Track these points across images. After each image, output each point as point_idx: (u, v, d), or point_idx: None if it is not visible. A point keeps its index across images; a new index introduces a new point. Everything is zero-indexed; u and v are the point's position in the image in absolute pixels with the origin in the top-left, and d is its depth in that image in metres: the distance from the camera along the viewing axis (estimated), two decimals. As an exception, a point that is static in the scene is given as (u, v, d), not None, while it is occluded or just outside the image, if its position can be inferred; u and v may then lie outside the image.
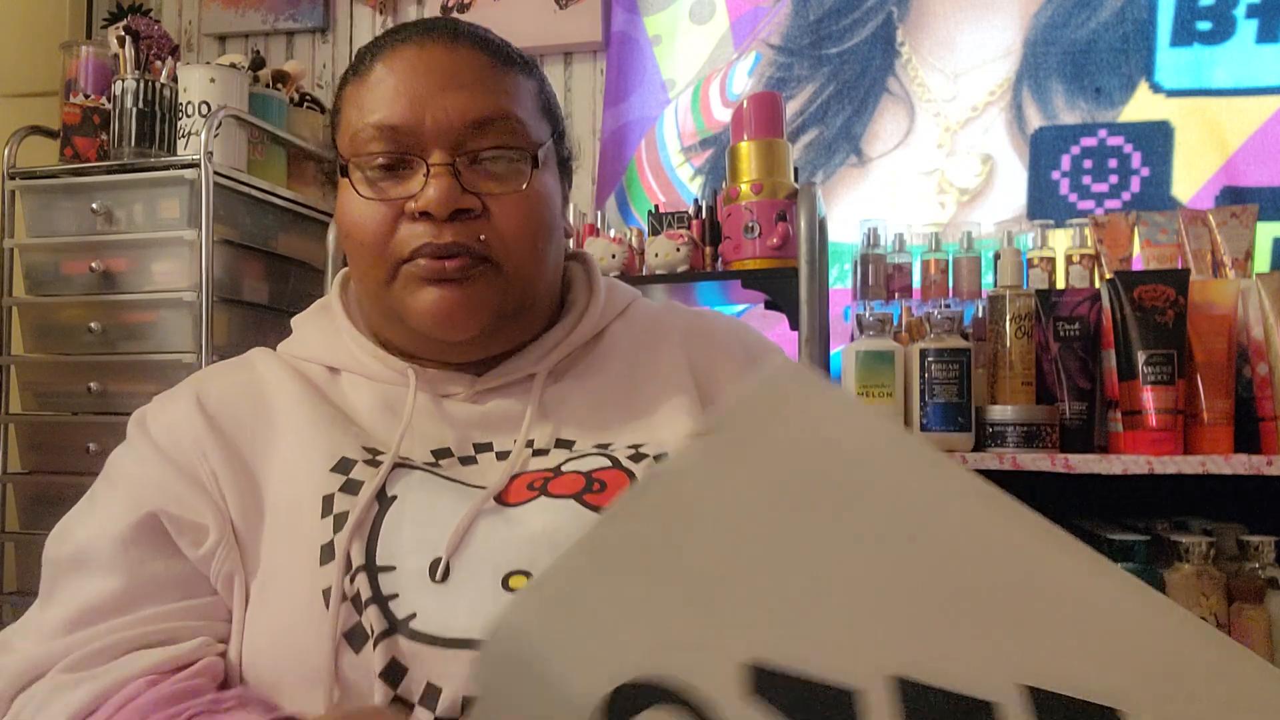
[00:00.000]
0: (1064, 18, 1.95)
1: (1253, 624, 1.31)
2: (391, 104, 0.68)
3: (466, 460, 0.70)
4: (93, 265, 1.67)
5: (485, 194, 0.68)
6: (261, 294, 1.80)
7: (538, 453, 0.70)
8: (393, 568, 0.63)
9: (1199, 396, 1.42)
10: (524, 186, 0.69)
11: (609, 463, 0.68)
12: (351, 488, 0.66)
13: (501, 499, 0.66)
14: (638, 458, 0.68)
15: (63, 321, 1.71)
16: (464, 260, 0.68)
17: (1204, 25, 1.89)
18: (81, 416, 1.70)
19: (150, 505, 0.68)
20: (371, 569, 0.63)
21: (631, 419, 0.73)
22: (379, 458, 0.68)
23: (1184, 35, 1.90)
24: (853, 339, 1.55)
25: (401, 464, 0.67)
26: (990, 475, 1.49)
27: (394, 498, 0.65)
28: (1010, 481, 1.56)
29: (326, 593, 0.62)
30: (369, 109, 0.69)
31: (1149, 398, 1.39)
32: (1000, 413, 1.44)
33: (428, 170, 0.67)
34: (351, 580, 0.62)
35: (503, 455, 0.71)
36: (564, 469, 0.68)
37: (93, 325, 1.68)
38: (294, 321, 0.82)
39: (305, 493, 0.67)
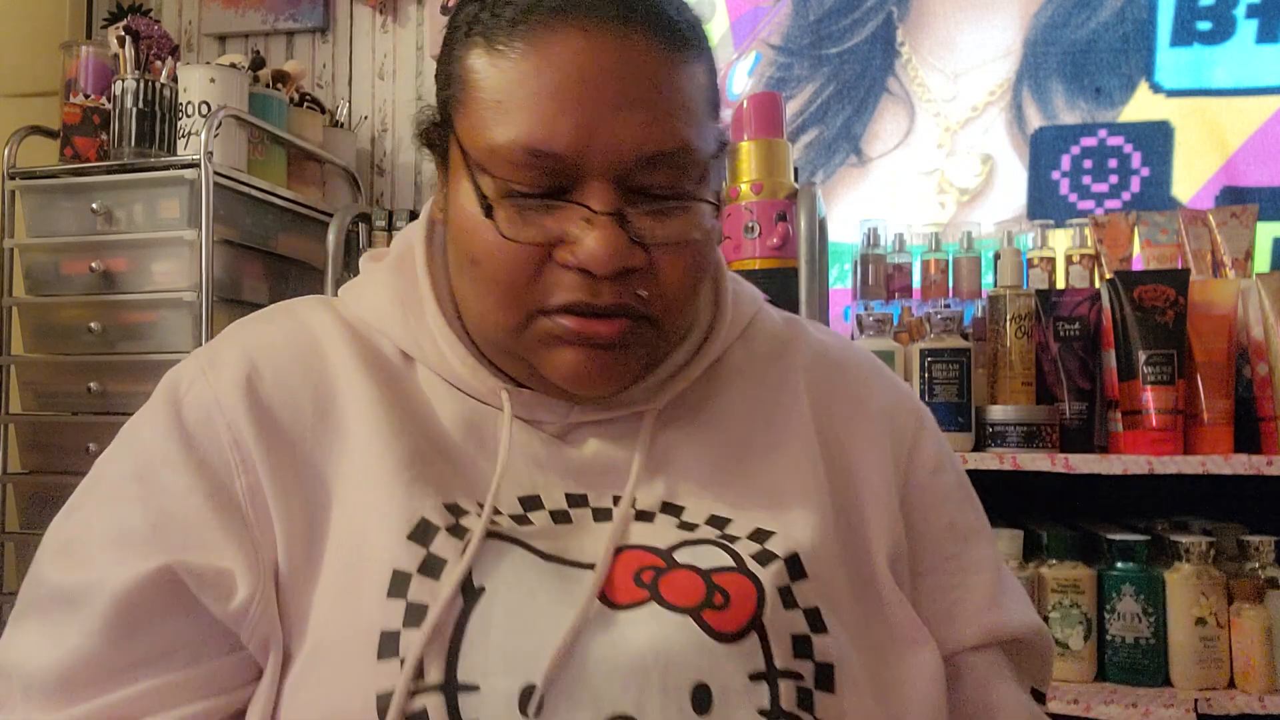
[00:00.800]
0: (1064, 18, 1.95)
1: (1252, 624, 1.31)
2: (551, 120, 0.53)
3: (559, 516, 0.59)
4: (93, 265, 1.67)
5: (653, 244, 0.56)
6: (262, 294, 1.80)
7: (641, 515, 0.59)
8: (475, 687, 0.51)
9: (1199, 396, 1.42)
10: (698, 236, 0.57)
11: (730, 560, 0.57)
12: (431, 568, 0.54)
13: (607, 595, 0.54)
14: (764, 557, 0.57)
15: (63, 321, 1.71)
16: (622, 324, 0.56)
17: (1204, 25, 1.89)
18: (81, 417, 1.70)
19: (167, 553, 0.55)
20: (451, 689, 0.51)
21: (751, 487, 0.62)
22: (462, 521, 0.56)
23: (1184, 35, 1.90)
24: (853, 339, 1.55)
25: (492, 532, 0.56)
26: (990, 475, 1.50)
27: (481, 589, 0.54)
28: (1010, 481, 1.56)
29: (383, 699, 0.51)
30: (516, 117, 0.54)
31: (1149, 398, 1.40)
32: (1000, 413, 1.44)
33: (589, 215, 0.54)
34: (415, 695, 0.51)
35: (600, 514, 0.59)
36: (678, 558, 0.57)
37: (93, 325, 1.68)
38: (362, 277, 0.68)
39: (372, 555, 0.55)
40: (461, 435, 0.61)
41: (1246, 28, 1.88)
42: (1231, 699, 1.30)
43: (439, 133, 0.61)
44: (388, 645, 0.52)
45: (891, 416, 0.69)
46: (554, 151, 0.53)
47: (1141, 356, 1.40)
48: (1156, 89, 1.90)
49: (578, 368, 0.57)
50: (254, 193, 1.78)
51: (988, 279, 1.70)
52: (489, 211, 0.55)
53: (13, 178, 1.72)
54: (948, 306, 1.60)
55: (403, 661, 0.51)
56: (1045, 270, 1.66)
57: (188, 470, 0.57)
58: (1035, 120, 1.95)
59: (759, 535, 0.59)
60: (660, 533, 0.58)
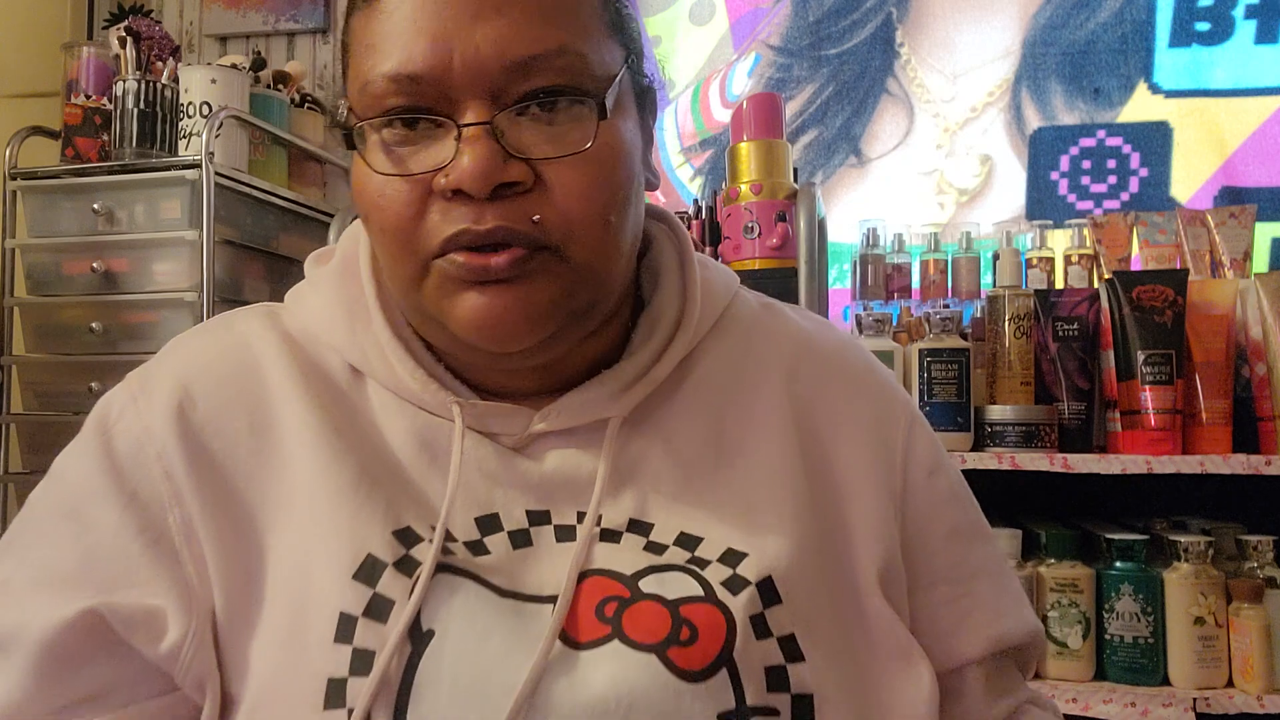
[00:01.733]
0: (1063, 18, 1.95)
1: (1251, 624, 1.31)
2: (408, 44, 0.50)
3: (519, 538, 0.55)
4: (94, 265, 1.67)
5: (537, 159, 0.51)
6: (263, 294, 1.81)
7: (606, 534, 0.55)
8: None
9: (1197, 396, 1.42)
10: (588, 145, 0.51)
11: (699, 588, 0.53)
12: (377, 610, 0.51)
13: (568, 633, 0.51)
14: (735, 584, 0.53)
15: (64, 322, 1.71)
16: (514, 252, 0.51)
17: (1203, 26, 1.90)
18: (83, 417, 1.69)
19: (94, 594, 0.52)
20: None
21: (724, 500, 0.58)
22: (413, 552, 0.52)
23: (1183, 36, 1.90)
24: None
25: (443, 565, 0.52)
26: (989, 475, 1.50)
27: (431, 633, 0.50)
28: (1009, 481, 1.57)
29: None
30: (380, 51, 0.51)
31: (1148, 397, 1.40)
32: (999, 412, 1.45)
33: (459, 133, 0.50)
34: None
35: (563, 532, 0.55)
36: (643, 586, 0.53)
37: (94, 325, 1.68)
38: (306, 284, 0.64)
39: (318, 596, 0.52)
40: (413, 452, 0.57)
41: (1245, 28, 1.88)
42: (1230, 698, 1.30)
43: (344, 113, 0.57)
44: (335, 694, 0.49)
45: (881, 415, 0.64)
46: (413, 73, 0.50)
47: (1140, 356, 1.41)
48: (1155, 89, 1.91)
49: (479, 313, 0.52)
50: (255, 193, 1.78)
51: (987, 279, 1.70)
52: (362, 153, 0.52)
53: (14, 178, 1.73)
54: (947, 306, 1.60)
55: (350, 712, 0.48)
56: (1044, 270, 1.66)
57: (117, 504, 0.54)
58: (1034, 121, 1.95)
59: (730, 557, 0.55)
60: (626, 556, 0.54)
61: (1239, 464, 1.35)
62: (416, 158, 0.52)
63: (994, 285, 1.63)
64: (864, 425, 0.63)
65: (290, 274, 1.90)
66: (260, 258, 1.81)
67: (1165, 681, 1.35)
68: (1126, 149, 1.91)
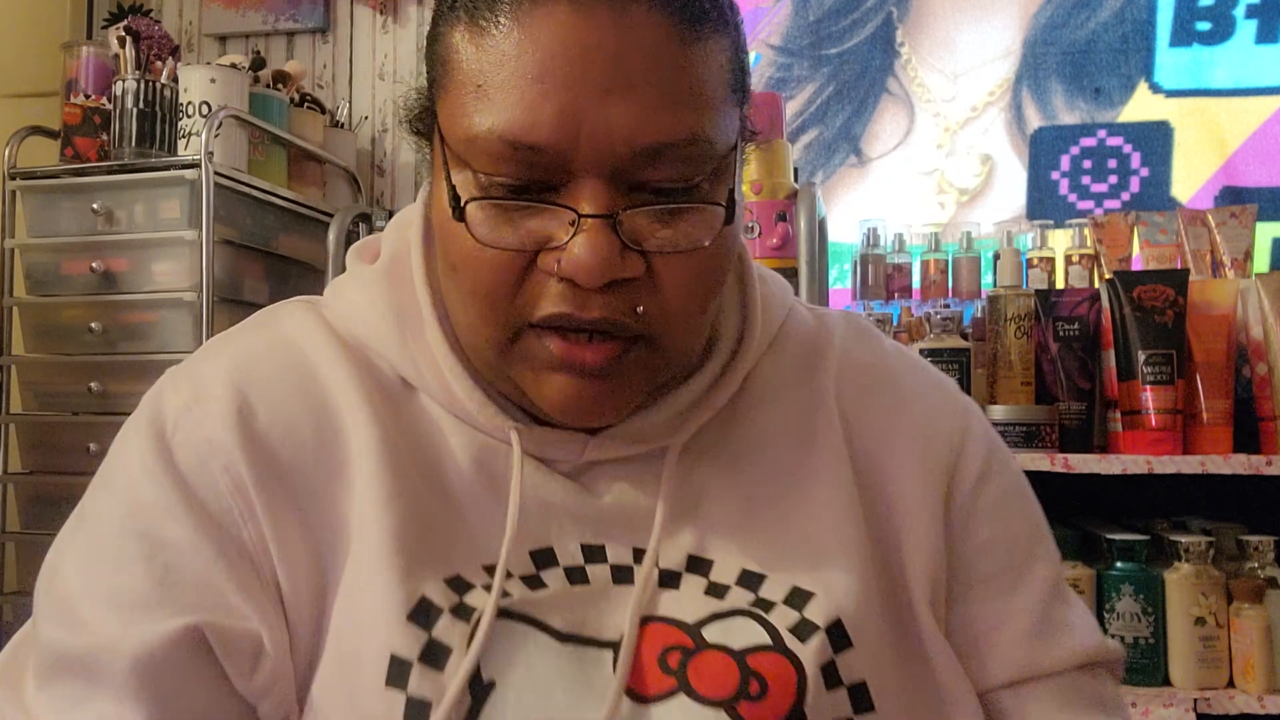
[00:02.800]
0: (1064, 18, 1.95)
1: (1252, 624, 1.31)
2: (531, 107, 0.46)
3: (575, 575, 0.52)
4: (93, 265, 1.67)
5: (652, 251, 0.48)
6: (262, 294, 1.80)
7: (665, 575, 0.53)
8: None
9: (1198, 396, 1.42)
10: (707, 243, 0.49)
11: (766, 636, 0.50)
12: (433, 657, 0.48)
13: (632, 686, 0.48)
14: (804, 630, 0.50)
15: (63, 322, 1.71)
16: (612, 348, 0.49)
17: (1203, 25, 1.89)
18: (82, 417, 1.70)
19: (193, 611, 0.49)
20: None
21: (785, 534, 0.55)
22: (467, 599, 0.50)
23: (1183, 35, 1.90)
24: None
25: (501, 609, 0.49)
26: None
27: (491, 684, 0.47)
28: (1010, 481, 1.54)
29: None
30: (494, 101, 0.46)
31: (1148, 397, 1.40)
32: (1000, 412, 1.45)
33: (576, 219, 0.46)
34: None
35: (620, 573, 0.53)
36: (707, 635, 0.50)
37: (93, 325, 1.68)
38: (350, 280, 0.59)
39: (369, 632, 0.49)
40: (470, 476, 0.54)
41: (1246, 28, 1.88)
42: (1231, 699, 1.30)
43: (425, 120, 0.54)
44: None
45: (932, 425, 0.60)
46: (535, 143, 0.46)
47: (1141, 356, 1.40)
48: (1156, 89, 1.91)
49: (566, 397, 0.50)
50: (254, 193, 1.78)
51: (987, 279, 1.70)
52: (459, 212, 0.48)
53: (13, 178, 1.72)
54: (947, 306, 1.60)
55: None
56: (1045, 270, 1.66)
57: (189, 522, 0.50)
58: (1035, 120, 1.95)
59: (796, 598, 0.52)
60: (687, 602, 0.51)
61: (1240, 464, 1.35)
62: (523, 226, 0.48)
63: (994, 285, 1.62)
64: (914, 436, 0.59)
65: (290, 274, 1.90)
66: (260, 258, 1.81)
67: (1166, 682, 1.35)
68: (1127, 149, 1.91)
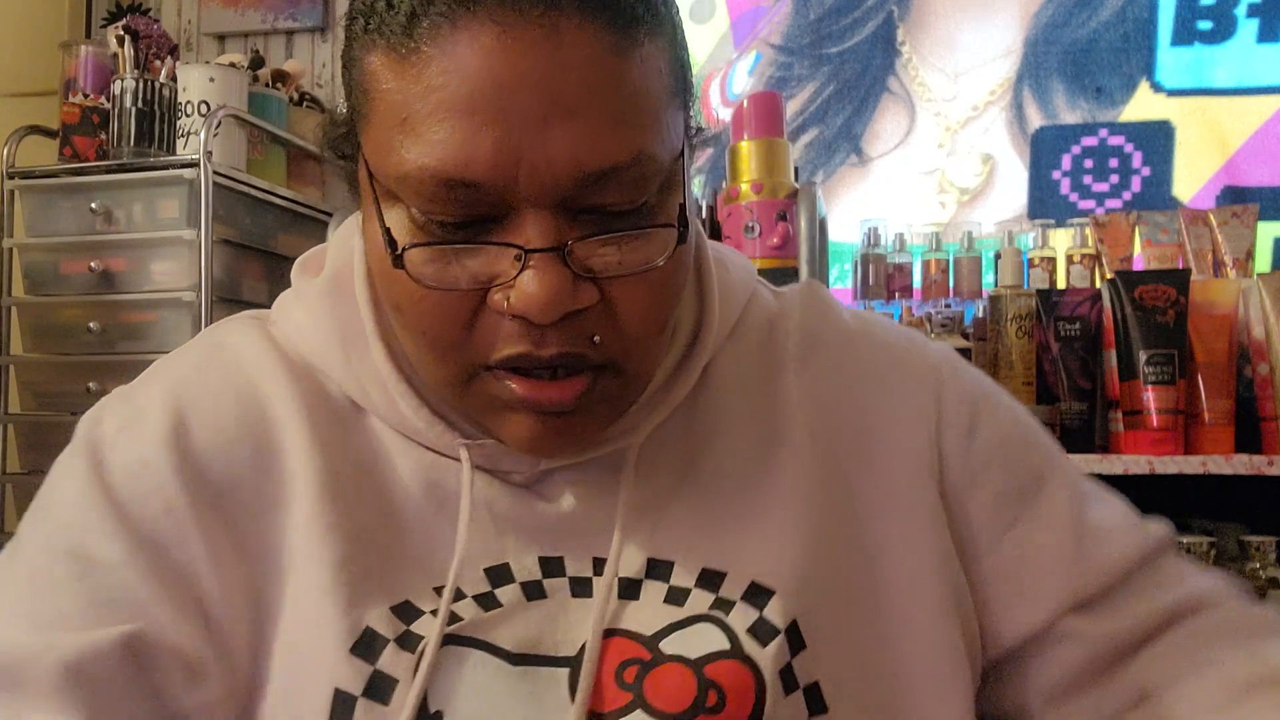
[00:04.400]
0: (1065, 17, 1.94)
1: (1254, 624, 1.31)
2: (465, 143, 0.42)
3: (531, 589, 0.50)
4: (92, 265, 1.67)
5: (605, 277, 0.45)
6: (261, 294, 1.80)
7: (625, 584, 0.51)
8: None
9: (1200, 396, 1.41)
10: (662, 262, 0.46)
11: (725, 640, 0.48)
12: (378, 690, 0.46)
13: (590, 704, 0.47)
14: (763, 631, 0.49)
15: (62, 321, 1.70)
16: (577, 385, 0.47)
17: (1205, 25, 1.89)
18: (81, 417, 1.70)
19: (127, 624, 0.46)
20: None
21: (746, 527, 0.53)
22: (414, 627, 0.48)
23: (1185, 35, 1.90)
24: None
25: (448, 635, 0.47)
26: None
27: (439, 715, 0.46)
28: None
29: None
30: (423, 135, 0.43)
31: (1150, 397, 1.39)
32: (1001, 413, 1.44)
33: (523, 255, 0.44)
34: None
35: (578, 585, 0.51)
36: (664, 647, 0.48)
37: (92, 325, 1.67)
38: (294, 297, 0.58)
39: (311, 665, 0.47)
40: (419, 495, 0.52)
41: (1247, 27, 1.88)
42: (1232, 699, 1.30)
43: (348, 141, 0.50)
44: None
45: (904, 390, 0.58)
46: (473, 180, 0.43)
47: (1142, 356, 1.40)
48: (1157, 88, 1.90)
49: (533, 435, 0.48)
50: (253, 192, 1.78)
51: (988, 279, 1.70)
52: (398, 259, 0.45)
53: (12, 177, 1.72)
54: (948, 306, 1.60)
55: None
56: (1046, 270, 1.66)
57: (122, 540, 0.48)
58: (1036, 120, 1.95)
59: (756, 595, 0.50)
60: (646, 613, 0.50)
61: (1241, 464, 1.35)
62: (468, 264, 0.45)
63: (995, 285, 1.62)
64: (888, 410, 0.57)
65: (289, 274, 1.89)
66: (259, 257, 1.81)
67: (1167, 683, 1.34)
68: (1128, 148, 1.90)
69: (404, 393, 0.52)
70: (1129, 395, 1.42)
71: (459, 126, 0.42)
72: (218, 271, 1.66)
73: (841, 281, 1.94)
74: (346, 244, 0.57)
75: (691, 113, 0.51)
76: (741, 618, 0.49)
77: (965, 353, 1.46)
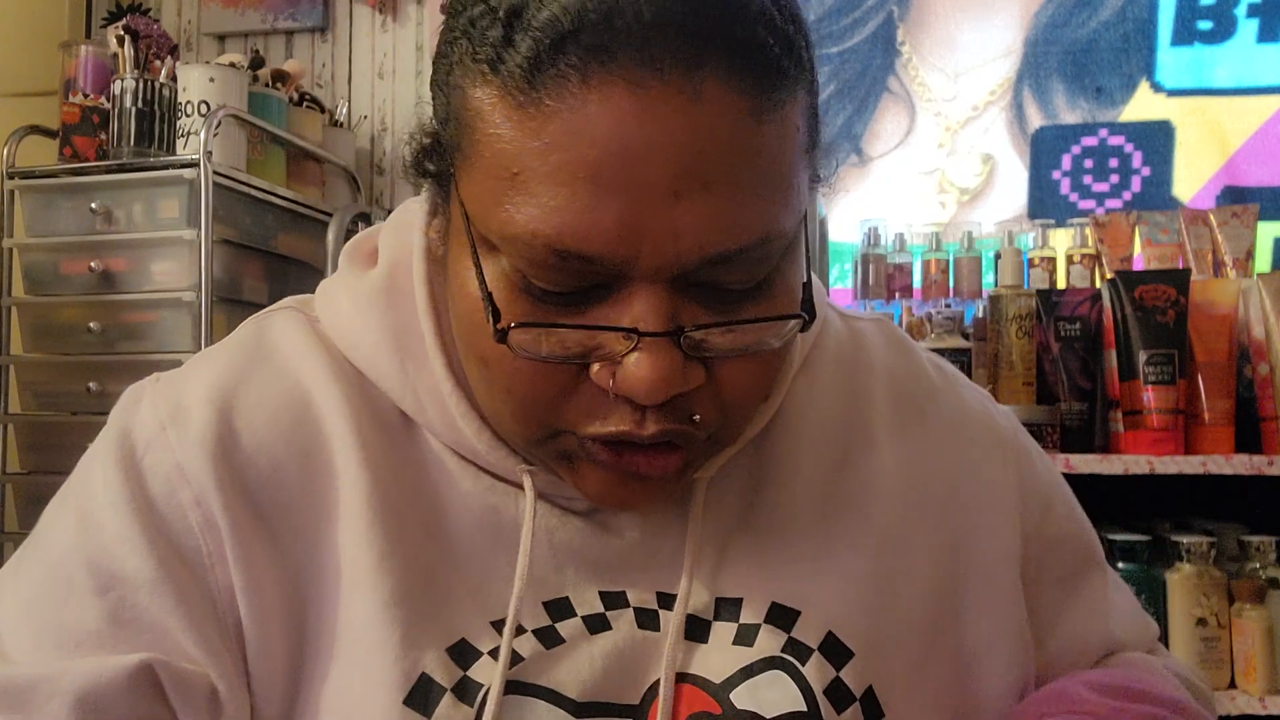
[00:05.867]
0: (1065, 17, 1.94)
1: (1253, 624, 1.31)
2: (586, 215, 0.39)
3: (594, 623, 0.47)
4: (92, 265, 1.67)
5: (717, 359, 0.43)
6: (261, 294, 1.80)
7: (693, 623, 0.48)
8: None
9: (1200, 396, 1.42)
10: (776, 343, 0.43)
11: (800, 699, 0.45)
12: None
13: None
14: (838, 696, 0.46)
15: (62, 321, 1.70)
16: (671, 460, 0.44)
17: (1205, 25, 1.89)
18: (81, 417, 1.70)
19: (147, 650, 0.44)
20: None
21: (822, 566, 0.50)
22: (471, 673, 0.45)
23: (1185, 35, 1.90)
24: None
25: (512, 683, 0.44)
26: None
27: None
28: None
29: None
30: (538, 199, 0.39)
31: (1150, 397, 1.39)
32: (1001, 413, 1.44)
33: (636, 337, 0.40)
34: None
35: (645, 617, 0.48)
36: (735, 700, 0.45)
37: (92, 325, 1.67)
38: (342, 291, 0.53)
39: (360, 716, 0.44)
40: (475, 521, 0.49)
41: (1247, 27, 1.88)
42: (1232, 699, 1.30)
43: (438, 161, 0.46)
44: None
45: (988, 459, 0.56)
46: (589, 254, 0.39)
47: (1142, 356, 1.40)
48: (1157, 88, 1.90)
49: (612, 494, 0.45)
50: (253, 192, 1.78)
51: (988, 279, 1.70)
52: (501, 335, 0.41)
53: (12, 177, 1.72)
54: (948, 306, 1.60)
55: None
56: (1046, 270, 1.66)
57: (152, 555, 0.45)
58: (1036, 120, 1.95)
59: (833, 650, 0.47)
60: (715, 657, 0.46)
61: (1241, 464, 1.35)
62: (570, 336, 0.41)
63: (996, 285, 1.62)
64: (974, 477, 0.55)
65: (289, 274, 1.89)
66: (259, 257, 1.81)
67: (1168, 683, 1.34)
68: (1129, 148, 1.90)
69: (465, 412, 0.48)
70: (1129, 395, 1.42)
71: (580, 194, 0.38)
72: (218, 271, 1.66)
73: (841, 281, 1.94)
74: (402, 236, 0.53)
75: (819, 160, 0.47)
76: (818, 674, 0.46)
77: (965, 353, 1.46)
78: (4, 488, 1.75)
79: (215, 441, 0.47)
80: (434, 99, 0.46)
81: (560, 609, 0.47)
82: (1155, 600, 1.34)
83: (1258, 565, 1.36)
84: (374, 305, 0.51)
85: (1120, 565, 1.37)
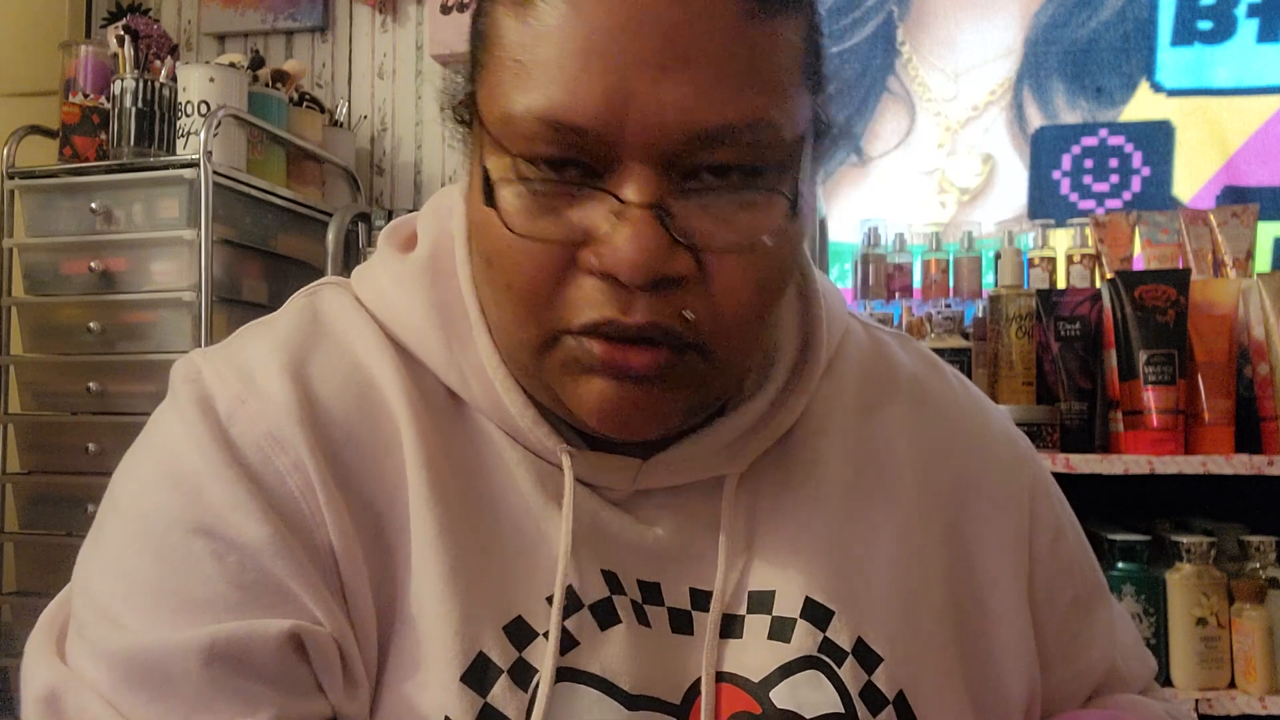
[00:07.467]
0: (1065, 17, 1.94)
1: (1253, 624, 1.31)
2: (573, 83, 0.41)
3: (640, 612, 0.48)
4: (92, 265, 1.67)
5: (705, 248, 0.43)
6: (261, 294, 1.80)
7: (728, 620, 0.49)
8: None
9: (1200, 396, 1.42)
10: (768, 239, 0.44)
11: (838, 699, 0.46)
12: None
13: None
14: (874, 699, 0.47)
15: (62, 321, 1.70)
16: (660, 354, 0.44)
17: (1205, 24, 1.89)
18: (81, 417, 1.70)
19: (273, 604, 0.44)
20: None
21: (852, 568, 0.50)
22: (525, 654, 0.45)
23: (1185, 34, 1.90)
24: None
25: (561, 669, 0.45)
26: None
27: None
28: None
29: None
30: (533, 78, 0.42)
31: (1150, 397, 1.39)
32: (1001, 413, 1.44)
33: (620, 204, 0.42)
34: None
35: (677, 617, 0.49)
36: (775, 699, 0.46)
37: (92, 325, 1.67)
38: (383, 272, 0.53)
39: (420, 689, 0.45)
40: (523, 497, 0.49)
41: (1247, 27, 1.88)
42: (1232, 699, 1.30)
43: (467, 106, 0.48)
44: None
45: (1007, 477, 0.57)
46: (577, 123, 0.41)
47: (1142, 356, 1.40)
48: (1157, 88, 1.90)
49: (605, 403, 0.44)
50: (253, 192, 1.78)
51: (988, 279, 1.70)
52: (490, 197, 0.43)
53: (12, 177, 1.72)
54: (948, 306, 1.60)
55: None
56: (1046, 270, 1.66)
57: (264, 519, 0.44)
58: (1036, 120, 1.95)
59: (864, 655, 0.48)
60: (751, 654, 0.47)
61: (1241, 464, 1.35)
62: (561, 216, 0.43)
63: (996, 285, 1.62)
64: (988, 486, 0.56)
65: (289, 274, 1.89)
66: (259, 257, 1.81)
67: (1167, 683, 1.34)
68: (1129, 148, 1.90)
69: (510, 388, 0.49)
70: (1129, 395, 1.42)
71: (569, 67, 0.41)
72: (218, 271, 1.66)
73: (841, 281, 1.94)
74: (442, 220, 0.54)
75: (824, 108, 0.47)
76: (852, 675, 0.47)
77: (965, 353, 1.46)
78: (4, 488, 1.75)
79: (301, 408, 0.47)
80: (469, 43, 0.48)
81: (612, 582, 0.48)
82: (1155, 600, 1.34)
83: (1258, 565, 1.36)
84: (419, 284, 0.51)
85: (1120, 565, 1.37)
